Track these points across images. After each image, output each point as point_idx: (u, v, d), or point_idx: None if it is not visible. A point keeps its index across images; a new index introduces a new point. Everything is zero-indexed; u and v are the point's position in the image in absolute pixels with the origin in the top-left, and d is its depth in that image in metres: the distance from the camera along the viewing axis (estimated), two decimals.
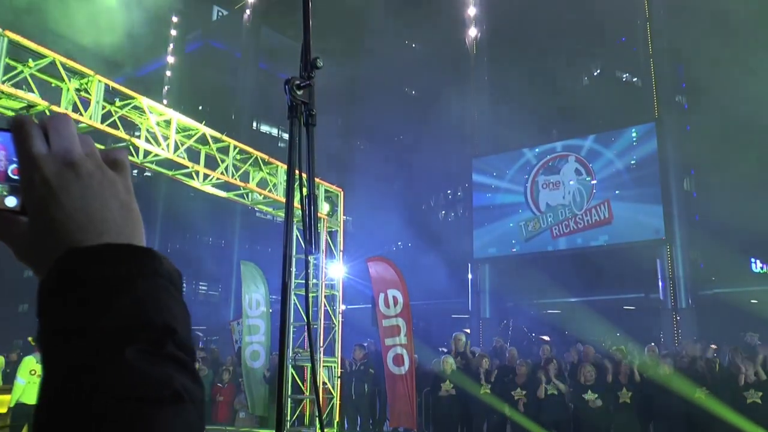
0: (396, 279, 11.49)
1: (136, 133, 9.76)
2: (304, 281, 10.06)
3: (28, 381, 8.67)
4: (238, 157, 10.86)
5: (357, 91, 26.11)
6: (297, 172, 1.74)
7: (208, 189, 10.81)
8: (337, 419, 11.47)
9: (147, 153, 9.53)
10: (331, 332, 11.65)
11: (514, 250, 19.80)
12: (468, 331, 18.05)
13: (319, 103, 1.83)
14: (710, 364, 9.90)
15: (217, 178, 10.52)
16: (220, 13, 32.54)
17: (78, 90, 8.52)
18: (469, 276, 21.14)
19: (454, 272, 21.16)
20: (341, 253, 12.25)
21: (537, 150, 19.84)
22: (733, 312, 14.55)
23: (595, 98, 20.60)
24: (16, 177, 0.61)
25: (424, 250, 21.85)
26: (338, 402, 11.57)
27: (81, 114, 8.46)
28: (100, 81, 8.67)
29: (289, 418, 10.90)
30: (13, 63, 7.93)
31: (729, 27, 15.43)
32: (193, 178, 10.47)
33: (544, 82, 19.56)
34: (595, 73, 22.43)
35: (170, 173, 10.44)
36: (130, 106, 9.34)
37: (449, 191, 25.77)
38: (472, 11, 22.45)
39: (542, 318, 18.38)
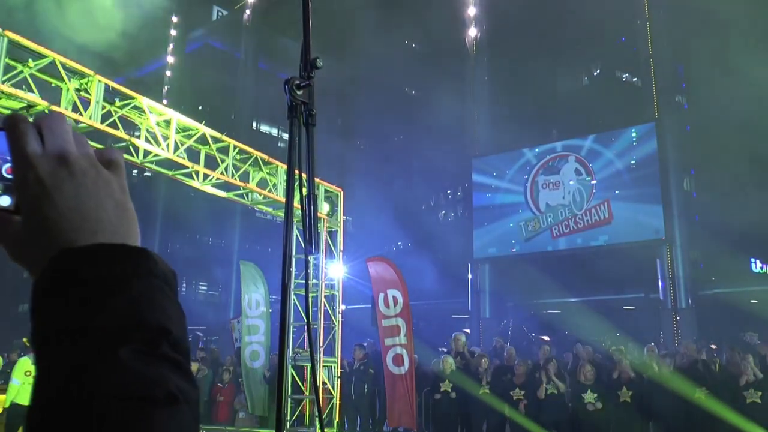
0: (396, 279, 11.49)
1: (136, 133, 9.76)
2: (304, 281, 10.06)
3: (23, 382, 8.67)
4: (238, 157, 10.85)
5: (356, 91, 26.11)
6: (297, 172, 1.74)
7: (208, 189, 10.80)
8: (336, 419, 11.46)
9: (147, 153, 9.52)
10: (331, 332, 11.65)
11: (514, 250, 19.80)
12: (468, 331, 18.06)
13: (319, 103, 1.83)
14: (710, 364, 9.90)
15: (217, 178, 10.51)
16: (220, 13, 32.54)
17: (78, 90, 8.51)
18: (469, 276, 21.14)
19: (454, 272, 21.15)
20: (341, 253, 12.24)
21: (537, 150, 19.83)
22: (733, 312, 14.56)
23: (595, 98, 20.60)
24: (9, 176, 0.60)
25: (423, 250, 21.85)
26: (338, 402, 11.57)
27: (81, 114, 8.46)
28: (100, 81, 8.67)
29: (288, 418, 10.89)
30: (12, 63, 7.92)
31: (729, 27, 15.42)
32: (193, 178, 10.46)
33: (544, 82, 19.56)
34: (595, 73, 22.43)
35: (170, 173, 10.44)
36: (130, 106, 9.33)
37: (449, 191, 25.76)
38: (472, 11, 22.45)
39: (542, 318, 18.37)
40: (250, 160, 10.98)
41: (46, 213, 0.58)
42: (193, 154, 10.24)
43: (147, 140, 9.51)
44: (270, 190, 11.22)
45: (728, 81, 15.00)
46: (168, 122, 9.72)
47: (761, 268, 17.07)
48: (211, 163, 10.55)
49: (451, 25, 22.87)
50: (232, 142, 10.75)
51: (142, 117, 9.54)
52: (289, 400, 10.88)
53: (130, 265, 0.55)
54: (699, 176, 18.59)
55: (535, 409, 10.08)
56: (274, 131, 30.48)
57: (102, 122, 8.73)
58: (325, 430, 10.93)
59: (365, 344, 12.92)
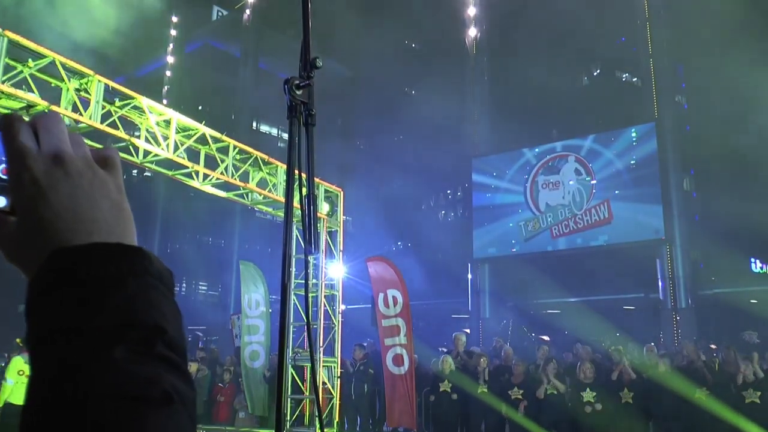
0: (395, 279, 11.48)
1: (136, 133, 9.75)
2: (303, 281, 10.06)
3: (16, 381, 8.67)
4: (238, 157, 10.85)
5: (356, 91, 26.11)
6: (296, 172, 1.74)
7: (208, 189, 10.80)
8: (336, 419, 11.46)
9: (147, 153, 9.52)
10: (331, 332, 11.64)
11: (514, 250, 19.80)
12: (468, 331, 18.05)
13: (319, 103, 1.83)
14: (709, 364, 9.90)
15: (217, 178, 10.51)
16: (220, 13, 32.53)
17: (78, 90, 8.51)
18: (469, 276, 21.14)
19: (454, 272, 21.16)
20: (341, 253, 12.24)
21: (537, 150, 19.83)
22: (733, 312, 14.56)
23: (595, 98, 20.62)
24: (4, 177, 0.60)
25: (423, 250, 21.86)
26: (338, 402, 11.56)
27: (81, 114, 8.45)
28: (99, 81, 8.66)
29: (288, 418, 10.89)
30: (12, 63, 7.91)
31: (729, 27, 15.42)
32: (193, 178, 10.46)
33: (544, 82, 19.56)
34: (595, 73, 22.44)
35: (170, 173, 10.43)
36: (130, 106, 9.33)
37: (449, 191, 25.77)
38: (472, 11, 22.45)
39: (542, 318, 18.38)
40: (250, 160, 10.98)
41: (42, 213, 0.57)
42: (193, 154, 10.23)
43: (147, 140, 9.50)
44: (270, 190, 11.22)
45: (728, 81, 15.01)
46: (168, 122, 9.71)
47: (761, 268, 17.07)
48: (211, 163, 10.54)
49: (451, 25, 22.88)
50: (232, 142, 10.74)
51: (141, 117, 9.53)
52: (289, 400, 10.87)
53: (126, 264, 0.55)
54: (699, 176, 18.59)
55: (534, 410, 10.08)
56: (274, 131, 30.49)
57: (102, 122, 8.72)
58: (325, 430, 10.92)
59: (365, 344, 12.91)
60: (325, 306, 11.61)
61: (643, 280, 17.95)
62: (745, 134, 14.97)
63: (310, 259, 8.93)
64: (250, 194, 11.33)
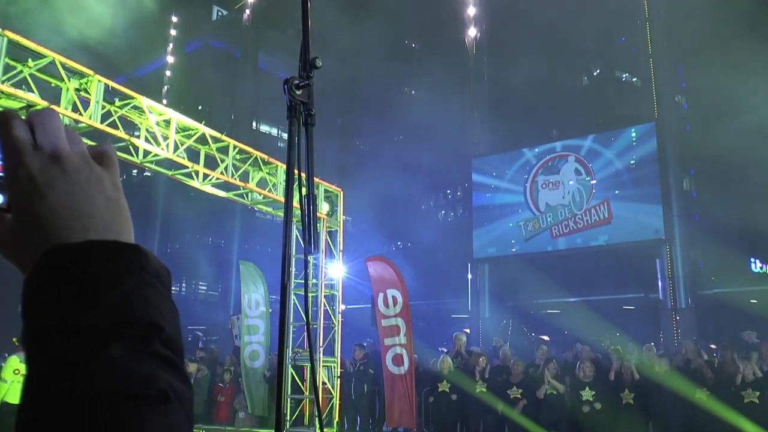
0: (395, 279, 11.48)
1: (136, 133, 9.75)
2: (303, 281, 10.05)
3: (12, 380, 8.65)
4: (238, 157, 10.85)
5: (356, 91, 26.10)
6: (296, 171, 1.74)
7: (208, 189, 10.80)
8: (336, 419, 11.46)
9: (147, 153, 9.52)
10: (331, 332, 11.65)
11: (514, 250, 19.79)
12: (468, 331, 18.05)
13: (318, 103, 1.83)
14: (709, 364, 9.90)
15: (217, 178, 10.51)
16: (220, 13, 32.53)
17: (77, 90, 8.51)
18: (469, 276, 21.13)
19: (453, 272, 21.15)
20: (341, 253, 12.24)
21: (537, 150, 19.83)
22: (733, 312, 14.55)
23: (595, 98, 20.60)
24: (1, 174, 0.59)
25: (423, 250, 21.85)
26: (338, 402, 11.56)
27: (80, 114, 8.45)
28: (99, 81, 8.66)
29: (288, 418, 10.89)
30: (12, 63, 7.92)
31: (729, 27, 15.41)
32: (193, 178, 10.46)
33: (543, 82, 19.55)
34: (595, 73, 22.43)
35: (170, 173, 10.43)
36: (130, 105, 9.33)
37: (449, 191, 25.76)
38: (472, 11, 22.44)
39: (542, 318, 18.37)
40: (250, 160, 10.98)
41: (38, 210, 0.57)
42: (192, 154, 10.24)
43: (147, 140, 9.50)
44: (270, 190, 11.22)
45: (728, 81, 15.00)
46: (168, 122, 9.71)
47: (761, 268, 17.06)
48: (211, 163, 10.54)
49: (450, 24, 22.87)
50: (232, 142, 10.74)
51: (141, 117, 9.53)
52: (288, 400, 10.87)
53: (122, 261, 0.55)
54: (699, 176, 18.58)
55: (534, 410, 10.08)
56: (274, 131, 30.48)
57: (102, 122, 8.72)
58: (325, 430, 10.92)
59: (365, 344, 12.91)
60: (325, 306, 11.61)
61: (642, 280, 17.94)
62: (745, 134, 14.96)
63: (310, 259, 8.93)
64: (250, 194, 11.33)
